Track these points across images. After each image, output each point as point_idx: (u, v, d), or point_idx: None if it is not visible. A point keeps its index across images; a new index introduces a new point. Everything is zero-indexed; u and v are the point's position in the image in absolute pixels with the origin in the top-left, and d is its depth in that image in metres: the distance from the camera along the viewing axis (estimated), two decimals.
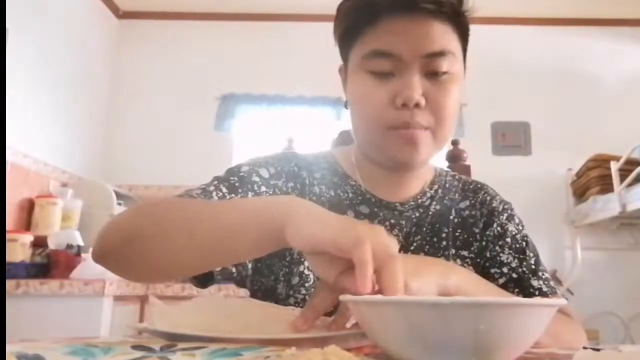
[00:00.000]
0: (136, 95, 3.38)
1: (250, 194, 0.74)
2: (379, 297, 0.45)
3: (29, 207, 2.51)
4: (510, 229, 0.83)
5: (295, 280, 0.75)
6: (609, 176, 2.81)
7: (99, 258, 0.63)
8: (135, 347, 0.41)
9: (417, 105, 0.70)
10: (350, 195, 0.81)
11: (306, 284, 0.75)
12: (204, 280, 0.71)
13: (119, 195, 2.84)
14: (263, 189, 0.76)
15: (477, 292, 0.63)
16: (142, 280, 0.65)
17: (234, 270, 0.74)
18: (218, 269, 0.70)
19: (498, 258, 0.80)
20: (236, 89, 3.33)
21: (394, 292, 0.47)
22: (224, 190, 0.73)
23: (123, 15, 3.46)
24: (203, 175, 3.34)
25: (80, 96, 3.03)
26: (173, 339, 0.44)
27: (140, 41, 3.46)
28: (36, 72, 2.62)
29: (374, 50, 0.72)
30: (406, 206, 0.81)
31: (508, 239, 0.82)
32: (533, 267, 0.80)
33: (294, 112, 3.28)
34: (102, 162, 3.22)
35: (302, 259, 0.75)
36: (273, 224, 0.52)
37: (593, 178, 2.99)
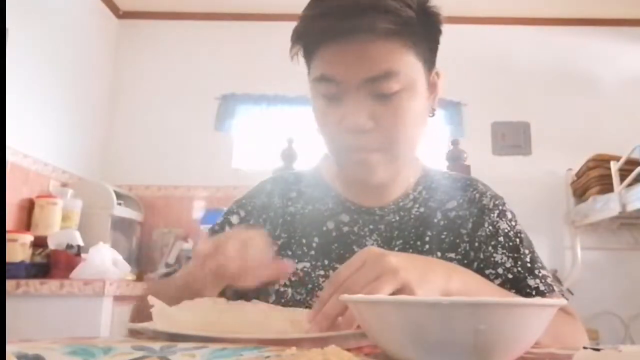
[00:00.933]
0: (136, 95, 3.38)
1: None
2: (379, 297, 0.45)
3: (29, 207, 2.51)
4: (502, 226, 0.81)
5: (272, 298, 0.77)
6: (609, 176, 2.81)
7: None
8: (135, 347, 0.41)
9: (363, 129, 0.70)
10: (331, 205, 0.83)
11: (282, 300, 0.76)
12: None
13: (119, 195, 2.84)
14: None
15: (479, 293, 0.63)
16: None
17: None
18: None
19: (492, 259, 0.78)
20: (236, 89, 3.33)
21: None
22: None
23: (123, 15, 3.46)
24: (203, 175, 3.37)
25: (80, 96, 3.03)
26: (173, 339, 0.44)
27: (140, 41, 3.46)
28: (36, 72, 2.62)
29: (320, 76, 0.72)
30: (386, 210, 0.82)
31: (501, 238, 0.80)
32: (529, 265, 0.78)
33: (294, 112, 3.29)
34: (102, 162, 3.22)
35: None
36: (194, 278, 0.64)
37: (593, 178, 2.99)
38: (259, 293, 0.78)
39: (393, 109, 0.71)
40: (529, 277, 0.77)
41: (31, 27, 2.57)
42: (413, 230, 0.81)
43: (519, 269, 0.77)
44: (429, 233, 0.80)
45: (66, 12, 2.89)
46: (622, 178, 2.73)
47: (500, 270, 0.78)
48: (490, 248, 0.79)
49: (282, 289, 0.77)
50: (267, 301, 0.76)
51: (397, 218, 0.81)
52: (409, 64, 0.71)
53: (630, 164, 2.71)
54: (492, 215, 0.82)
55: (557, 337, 0.60)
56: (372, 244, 0.79)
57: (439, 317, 0.37)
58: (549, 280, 0.78)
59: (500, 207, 0.84)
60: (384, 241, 0.80)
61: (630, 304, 3.04)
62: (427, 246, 0.79)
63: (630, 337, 3.01)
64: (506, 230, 0.81)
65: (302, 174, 0.91)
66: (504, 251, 0.79)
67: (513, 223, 0.83)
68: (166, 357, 0.39)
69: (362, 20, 0.67)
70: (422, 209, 0.83)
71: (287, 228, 0.83)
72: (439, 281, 0.59)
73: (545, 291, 0.76)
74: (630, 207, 2.65)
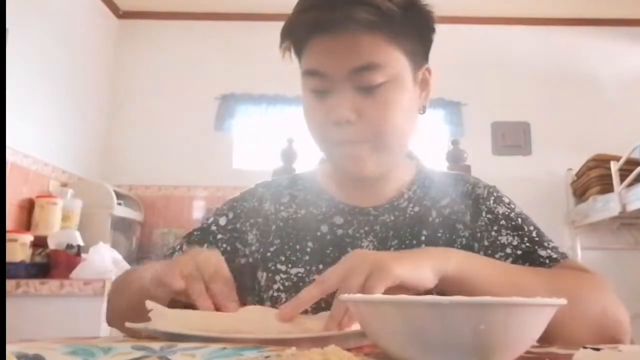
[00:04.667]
0: (136, 95, 3.38)
1: (205, 244, 0.82)
2: (378, 297, 0.45)
3: (29, 207, 2.51)
4: (500, 211, 0.81)
5: (267, 304, 0.77)
6: (609, 176, 2.81)
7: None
8: (135, 347, 0.41)
9: (348, 121, 0.71)
10: (324, 209, 0.83)
11: (276, 305, 0.74)
12: None
13: (119, 195, 2.84)
14: (219, 236, 0.83)
15: (480, 268, 0.62)
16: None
17: None
18: None
19: (498, 242, 0.78)
20: (236, 89, 3.33)
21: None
22: (185, 247, 0.83)
23: (123, 15, 3.46)
24: (203, 175, 3.37)
25: (80, 96, 3.04)
26: (173, 339, 0.44)
27: (140, 41, 3.46)
28: (36, 72, 2.62)
29: (307, 70, 0.74)
30: (380, 210, 0.81)
31: (502, 221, 0.79)
32: (536, 239, 0.77)
33: (294, 112, 3.28)
34: (102, 162, 3.22)
35: (270, 284, 0.78)
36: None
37: (593, 178, 2.99)
38: (251, 298, 0.79)
39: (377, 101, 0.72)
40: (539, 249, 0.76)
41: (31, 27, 2.57)
42: (408, 230, 0.80)
43: (527, 244, 0.76)
44: (425, 232, 0.80)
45: (66, 12, 2.89)
46: (622, 178, 2.73)
47: (508, 250, 0.76)
48: (493, 233, 0.79)
49: (276, 294, 0.77)
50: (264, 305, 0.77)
51: (392, 218, 0.81)
52: (393, 57, 0.73)
53: (630, 164, 2.71)
54: (487, 202, 0.82)
55: (578, 299, 0.59)
56: (368, 245, 0.79)
57: (439, 317, 0.37)
58: (560, 250, 0.77)
59: (495, 194, 0.84)
60: (380, 242, 0.79)
61: (630, 304, 2.99)
62: (423, 245, 0.79)
63: (630, 337, 3.01)
64: (506, 213, 0.81)
65: (296, 178, 0.90)
66: (508, 232, 0.78)
67: (512, 206, 0.82)
68: (166, 357, 0.39)
69: (342, 12, 0.69)
70: (417, 208, 0.82)
71: (280, 234, 0.82)
72: (428, 267, 0.58)
73: (559, 258, 0.75)
74: (630, 207, 2.65)
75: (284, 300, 0.76)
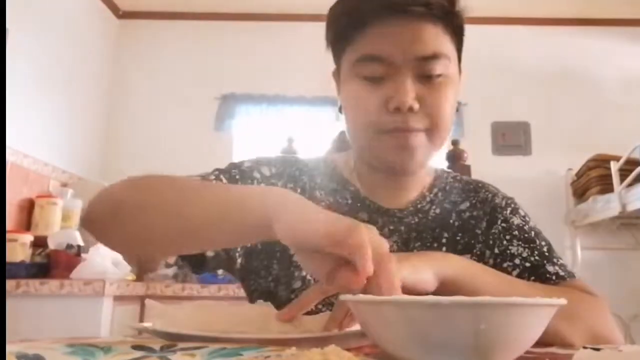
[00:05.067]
0: (136, 95, 3.38)
1: None
2: (379, 296, 0.45)
3: (29, 207, 2.51)
4: (515, 222, 0.82)
5: (297, 284, 0.75)
6: (609, 176, 2.81)
7: (85, 224, 0.65)
8: (135, 347, 0.41)
9: (410, 109, 0.69)
10: (350, 201, 0.81)
11: (303, 288, 0.74)
12: (197, 264, 0.71)
13: None
14: (263, 185, 0.76)
15: (480, 274, 0.63)
16: (121, 251, 0.65)
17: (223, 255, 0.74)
18: (211, 254, 0.71)
19: (508, 251, 0.78)
20: (236, 89, 3.33)
21: (391, 291, 0.46)
22: (224, 180, 0.74)
23: (123, 15, 3.46)
24: None
25: (80, 96, 3.03)
26: (173, 339, 0.44)
27: (140, 41, 3.46)
28: (36, 72, 2.62)
29: (365, 55, 0.71)
30: (405, 212, 0.80)
31: (515, 232, 0.80)
32: (546, 254, 0.78)
33: (294, 112, 3.28)
34: (102, 162, 3.22)
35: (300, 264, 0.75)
36: (260, 216, 0.50)
37: (593, 178, 2.99)
38: (283, 278, 0.76)
39: (437, 91, 0.71)
40: (547, 264, 0.76)
41: (31, 27, 2.57)
42: (430, 232, 0.80)
43: (536, 257, 0.77)
44: (446, 235, 0.80)
45: (66, 12, 2.89)
46: (622, 178, 2.73)
47: (517, 261, 0.77)
48: (505, 242, 0.80)
49: (308, 277, 0.74)
50: (291, 285, 0.74)
51: (416, 220, 0.80)
52: (450, 50, 0.73)
53: (630, 164, 2.71)
54: (504, 212, 0.83)
55: (572, 317, 0.60)
56: (392, 246, 0.78)
57: (439, 317, 0.37)
58: (568, 268, 0.77)
59: (513, 206, 0.85)
60: (403, 243, 0.79)
61: (630, 304, 3.04)
62: (444, 248, 0.79)
63: (630, 337, 3.01)
64: (520, 225, 0.81)
65: (319, 163, 0.86)
66: (519, 243, 0.79)
67: (527, 219, 0.83)
68: (166, 357, 0.39)
69: None
70: (438, 211, 0.82)
71: None
72: (428, 267, 0.59)
73: (566, 276, 0.75)
74: (630, 207, 2.65)
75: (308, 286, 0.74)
